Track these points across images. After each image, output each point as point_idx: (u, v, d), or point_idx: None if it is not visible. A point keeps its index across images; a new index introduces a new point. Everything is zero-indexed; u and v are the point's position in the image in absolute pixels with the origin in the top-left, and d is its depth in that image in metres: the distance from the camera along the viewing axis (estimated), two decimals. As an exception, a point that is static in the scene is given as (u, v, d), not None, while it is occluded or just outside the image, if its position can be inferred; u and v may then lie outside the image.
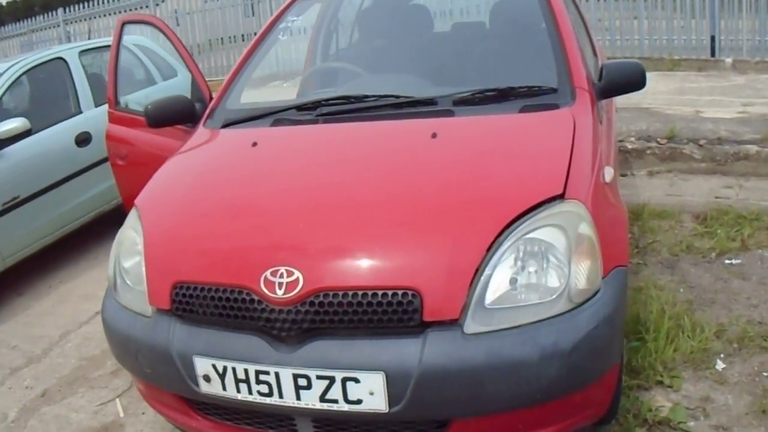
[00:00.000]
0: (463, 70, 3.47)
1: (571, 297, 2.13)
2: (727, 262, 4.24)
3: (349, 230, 2.31)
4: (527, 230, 2.19)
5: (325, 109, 3.14)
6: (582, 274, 2.17)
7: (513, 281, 2.13)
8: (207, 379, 2.26)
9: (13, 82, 5.46)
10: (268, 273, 2.18)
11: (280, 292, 2.15)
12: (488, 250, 2.14)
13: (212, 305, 2.26)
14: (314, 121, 3.11)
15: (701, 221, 4.81)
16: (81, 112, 5.77)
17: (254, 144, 3.00)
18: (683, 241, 4.53)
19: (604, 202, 2.48)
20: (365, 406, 2.09)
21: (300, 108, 3.23)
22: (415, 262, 2.15)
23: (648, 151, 6.00)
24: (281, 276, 2.16)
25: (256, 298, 2.18)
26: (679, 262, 4.28)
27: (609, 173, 2.69)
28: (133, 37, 6.86)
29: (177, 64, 6.61)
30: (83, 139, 5.58)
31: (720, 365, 3.20)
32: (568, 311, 2.12)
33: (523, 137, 2.74)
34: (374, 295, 2.08)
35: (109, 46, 5.05)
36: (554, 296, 2.12)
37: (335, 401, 2.11)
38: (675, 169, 5.92)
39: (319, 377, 2.10)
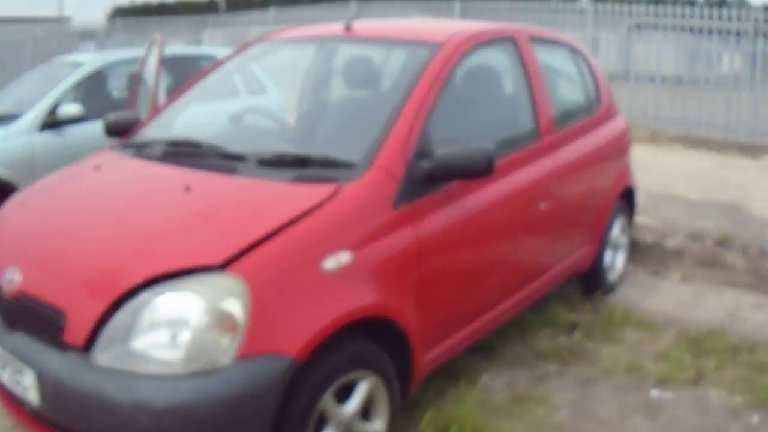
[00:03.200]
0: (312, 133, 3.42)
1: (188, 363, 2.22)
2: (654, 394, 3.63)
3: (58, 254, 2.66)
4: (166, 290, 2.29)
5: (156, 147, 3.31)
6: (208, 345, 2.24)
7: (139, 330, 2.26)
8: None
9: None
10: (7, 271, 2.64)
11: (6, 288, 2.61)
12: (125, 296, 2.31)
13: None
14: (146, 156, 3.28)
15: (684, 342, 4.14)
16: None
17: (97, 168, 3.28)
18: (635, 360, 3.94)
19: (301, 285, 2.43)
20: (29, 395, 2.45)
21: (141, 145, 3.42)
22: (73, 291, 2.46)
23: (687, 253, 5.26)
24: (11, 275, 2.61)
25: None
26: (599, 381, 3.73)
27: (336, 262, 2.54)
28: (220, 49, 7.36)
29: (269, 83, 6.86)
30: None
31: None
32: (180, 375, 2.21)
33: (249, 206, 2.70)
34: (41, 305, 2.48)
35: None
36: (172, 356, 2.23)
37: (18, 383, 2.50)
38: (712, 277, 5.14)
39: (11, 360, 2.51)
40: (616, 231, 4.81)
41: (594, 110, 4.50)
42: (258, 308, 2.28)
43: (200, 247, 2.44)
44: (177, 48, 7.62)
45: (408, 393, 3.00)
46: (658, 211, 6.08)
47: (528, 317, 4.38)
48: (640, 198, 6.43)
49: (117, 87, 7.04)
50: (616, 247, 4.86)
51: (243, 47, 4.13)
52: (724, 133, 9.25)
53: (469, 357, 3.89)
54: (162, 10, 31.12)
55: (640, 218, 5.84)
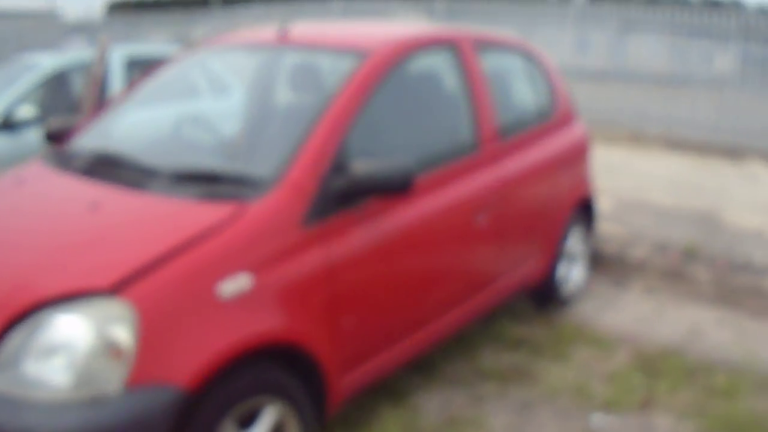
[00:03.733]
0: (230, 146, 3.26)
1: (76, 390, 2.13)
2: (596, 419, 3.44)
3: None
4: (56, 313, 2.19)
5: (79, 159, 3.14)
6: (95, 373, 2.14)
7: (29, 353, 2.16)
8: None
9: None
10: None
11: None
12: (18, 317, 2.20)
13: None
14: (67, 169, 3.12)
15: (637, 362, 3.96)
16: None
17: (18, 181, 3.14)
18: (582, 381, 3.75)
19: (195, 311, 2.30)
20: None
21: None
22: None
23: (650, 264, 5.07)
24: None
25: None
26: (541, 404, 3.55)
27: (234, 286, 2.39)
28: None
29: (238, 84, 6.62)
30: None
31: None
32: (67, 403, 2.12)
33: (149, 225, 2.57)
34: None
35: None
36: (60, 382, 2.13)
37: None
38: (676, 290, 4.94)
39: None
40: (573, 242, 4.62)
41: (548, 117, 4.31)
42: (147, 335, 2.17)
43: (93, 268, 2.33)
44: (146, 47, 7.39)
45: (326, 418, 2.86)
46: (626, 218, 5.89)
47: (474, 332, 4.20)
48: (608, 204, 6.26)
49: (78, 88, 6.84)
50: (572, 259, 4.67)
51: (181, 53, 3.95)
52: (707, 134, 9.04)
53: (408, 373, 3.72)
54: (158, 5, 30.85)
55: (605, 226, 5.65)
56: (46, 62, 6.52)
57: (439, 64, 3.57)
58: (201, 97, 5.96)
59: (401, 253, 3.06)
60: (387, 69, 3.12)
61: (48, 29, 18.40)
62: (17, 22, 18.68)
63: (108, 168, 2.97)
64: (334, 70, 3.20)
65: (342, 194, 2.76)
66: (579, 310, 4.66)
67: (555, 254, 4.35)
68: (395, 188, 2.75)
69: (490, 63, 3.80)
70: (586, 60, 10.71)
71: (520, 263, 4.02)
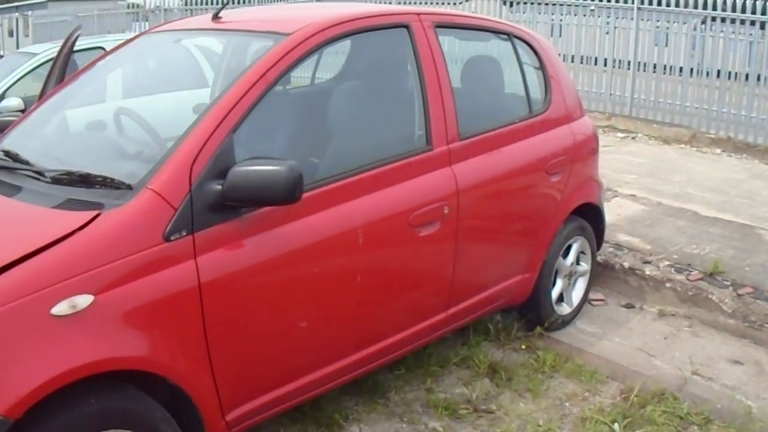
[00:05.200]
0: (116, 144, 2.91)
1: None
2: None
3: None
4: None
5: None
6: None
7: None
8: None
9: None
10: None
11: None
12: None
13: None
14: None
15: (621, 405, 3.38)
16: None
17: None
18: (550, 425, 3.23)
19: (24, 333, 2.02)
20: None
21: None
22: None
23: (668, 284, 4.41)
24: None
25: None
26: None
27: (71, 306, 2.08)
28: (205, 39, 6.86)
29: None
30: None
31: None
32: None
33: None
34: None
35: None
36: None
37: None
38: (695, 316, 4.29)
39: None
40: (572, 257, 4.03)
41: (538, 112, 3.73)
42: None
43: None
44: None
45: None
46: (655, 227, 5.22)
47: (442, 352, 3.70)
48: (639, 210, 5.59)
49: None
50: (569, 276, 4.08)
51: (126, 42, 3.57)
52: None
53: (350, 397, 3.30)
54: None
55: (625, 237, 5.01)
56: (41, 51, 6.29)
57: (381, 47, 3.07)
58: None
59: (307, 272, 2.61)
60: (302, 54, 2.70)
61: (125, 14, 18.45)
62: (97, 5, 18.87)
63: (3, 170, 2.66)
64: (246, 56, 2.79)
65: (220, 202, 2.35)
66: (574, 334, 4.08)
67: (541, 270, 3.79)
68: (279, 198, 2.33)
69: (457, 48, 3.26)
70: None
71: (489, 280, 3.50)
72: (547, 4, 10.65)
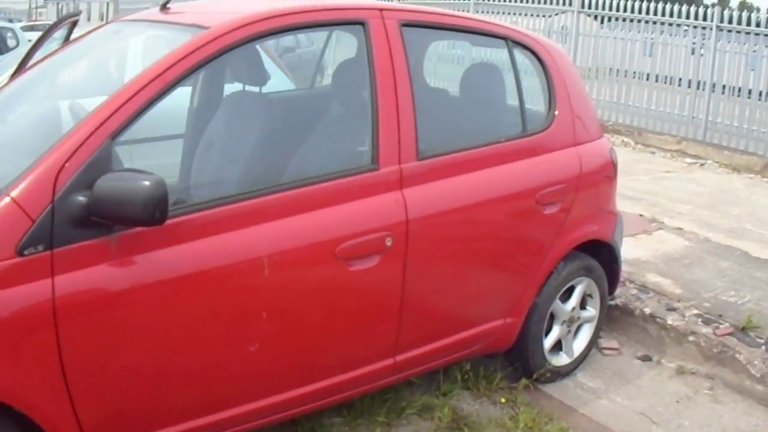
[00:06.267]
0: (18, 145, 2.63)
1: None
2: None
3: None
4: None
5: None
6: None
7: None
8: None
9: None
10: None
11: None
12: None
13: None
14: None
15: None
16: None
17: None
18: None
19: None
20: None
21: None
22: None
23: (691, 337, 3.82)
24: None
25: None
26: None
27: None
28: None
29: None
30: None
31: None
32: None
33: None
34: None
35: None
36: None
37: None
38: (718, 376, 3.68)
39: None
40: (574, 300, 3.51)
41: (534, 131, 3.22)
42: None
43: None
44: None
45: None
46: (691, 268, 4.60)
47: (406, 396, 3.25)
48: (679, 246, 4.98)
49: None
50: (571, 322, 3.55)
51: (86, 33, 3.30)
52: None
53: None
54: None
55: (655, 277, 4.42)
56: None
57: (324, 46, 2.65)
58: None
59: (186, 304, 2.24)
60: (211, 52, 2.34)
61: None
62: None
63: None
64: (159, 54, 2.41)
65: (86, 218, 2.04)
66: (570, 389, 3.55)
67: (529, 314, 3.28)
68: (136, 219, 2.00)
69: (430, 51, 2.81)
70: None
71: (454, 324, 3.03)
72: (631, 20, 10.06)
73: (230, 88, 3.01)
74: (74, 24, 4.38)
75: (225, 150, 2.57)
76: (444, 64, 6.46)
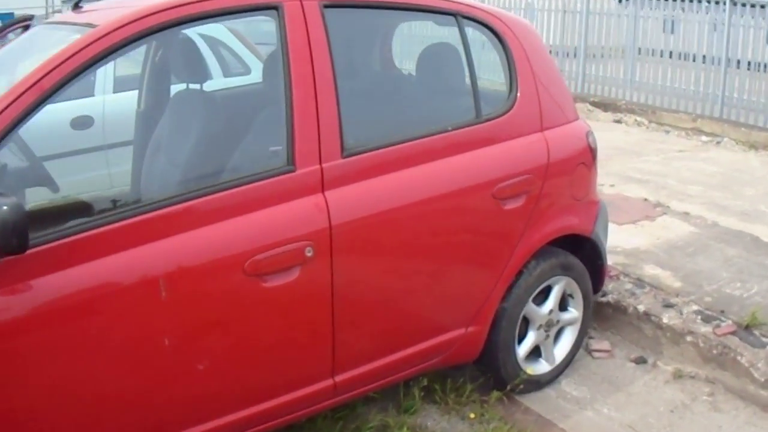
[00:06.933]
0: None
1: None
2: None
3: None
4: None
5: None
6: None
7: None
8: None
9: None
10: None
11: None
12: None
13: None
14: None
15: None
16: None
17: None
18: None
19: None
20: None
21: None
22: None
23: (689, 338, 3.45)
24: None
25: None
26: None
27: None
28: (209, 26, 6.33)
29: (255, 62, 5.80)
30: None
31: None
32: None
33: None
34: None
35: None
36: None
37: None
38: (719, 380, 3.32)
39: None
40: (551, 302, 3.17)
41: (490, 116, 2.87)
42: None
43: None
44: None
45: None
46: (695, 257, 4.21)
47: (363, 414, 2.95)
48: (685, 233, 4.60)
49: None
50: (549, 326, 3.21)
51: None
52: None
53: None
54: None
55: (653, 269, 4.05)
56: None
57: (231, 39, 2.35)
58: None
59: (63, 334, 1.96)
60: (94, 53, 2.09)
61: None
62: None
63: None
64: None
65: None
66: (552, 399, 3.22)
67: (495, 320, 2.95)
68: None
69: (362, 34, 2.51)
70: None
71: (403, 338, 2.71)
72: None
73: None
74: (26, 28, 4.21)
75: (115, 159, 2.30)
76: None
